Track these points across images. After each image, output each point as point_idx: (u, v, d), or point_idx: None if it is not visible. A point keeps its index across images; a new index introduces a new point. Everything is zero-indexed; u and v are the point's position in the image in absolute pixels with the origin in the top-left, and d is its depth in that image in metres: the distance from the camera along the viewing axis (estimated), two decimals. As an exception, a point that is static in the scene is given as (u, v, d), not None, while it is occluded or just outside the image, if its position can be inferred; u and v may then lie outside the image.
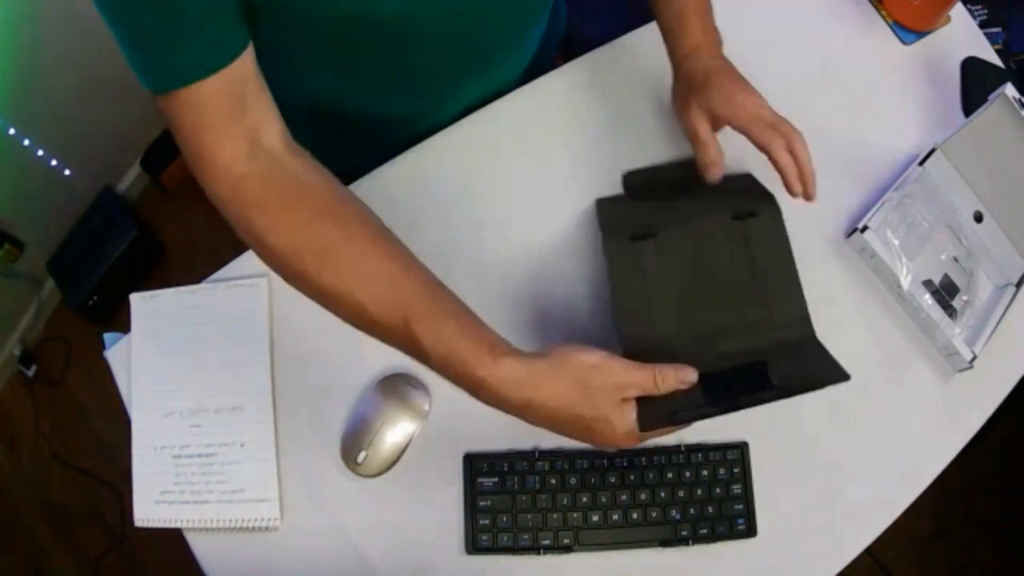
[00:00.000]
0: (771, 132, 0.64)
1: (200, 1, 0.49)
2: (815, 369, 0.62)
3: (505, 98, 0.82)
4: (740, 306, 0.66)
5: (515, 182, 0.80)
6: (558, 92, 0.83)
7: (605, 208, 0.78)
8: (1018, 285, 0.79)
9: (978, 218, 0.81)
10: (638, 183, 0.80)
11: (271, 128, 0.56)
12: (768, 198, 0.70)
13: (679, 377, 0.56)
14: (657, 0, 0.72)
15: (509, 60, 0.79)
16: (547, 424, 0.56)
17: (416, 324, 0.53)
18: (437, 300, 0.55)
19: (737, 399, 0.58)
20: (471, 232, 0.78)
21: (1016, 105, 0.76)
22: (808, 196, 0.66)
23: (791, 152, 0.64)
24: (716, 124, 0.69)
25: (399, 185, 0.80)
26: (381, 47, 0.63)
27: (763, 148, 0.65)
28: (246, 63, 0.54)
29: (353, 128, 0.76)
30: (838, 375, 0.60)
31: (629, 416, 0.55)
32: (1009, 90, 0.76)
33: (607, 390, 0.54)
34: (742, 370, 0.62)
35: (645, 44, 0.85)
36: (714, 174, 0.69)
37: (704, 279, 0.67)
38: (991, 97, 0.77)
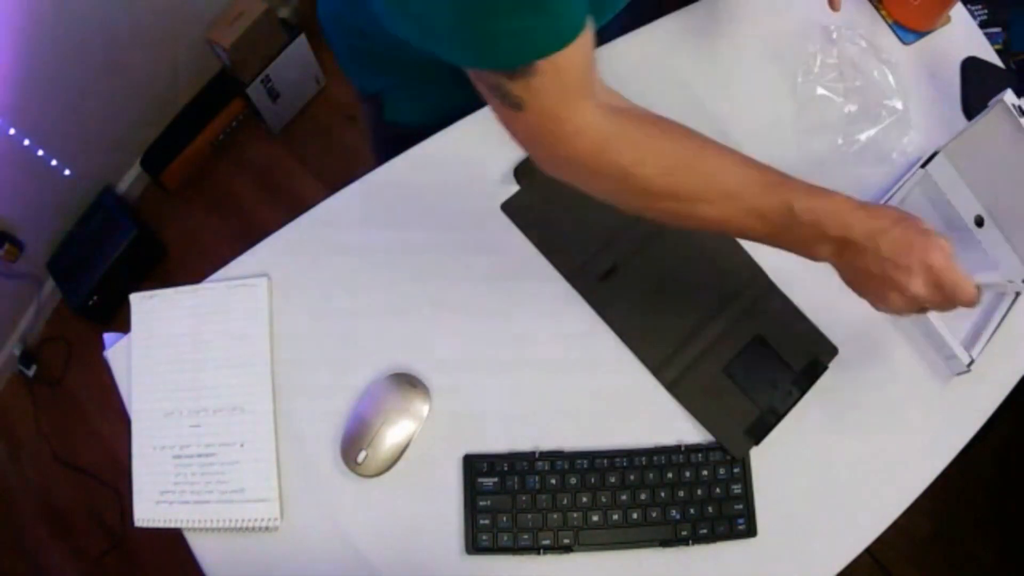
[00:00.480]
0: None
1: None
2: (810, 349, 0.75)
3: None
4: (710, 289, 0.76)
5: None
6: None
7: (533, 230, 0.77)
8: (1017, 291, 0.79)
9: (979, 222, 0.81)
10: (529, 174, 0.79)
11: (600, 81, 0.57)
12: None
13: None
14: None
15: None
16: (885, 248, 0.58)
17: (779, 189, 0.58)
18: (776, 173, 0.60)
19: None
20: (472, 231, 0.78)
21: (1015, 112, 0.76)
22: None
23: None
24: None
25: (401, 183, 0.80)
26: None
27: None
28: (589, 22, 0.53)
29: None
30: (828, 351, 0.75)
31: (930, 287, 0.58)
32: (1008, 96, 0.76)
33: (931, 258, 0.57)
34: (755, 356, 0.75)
35: (645, 46, 0.85)
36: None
37: (672, 281, 0.77)
38: (991, 103, 0.77)
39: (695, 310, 0.76)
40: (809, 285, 0.78)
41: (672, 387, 0.74)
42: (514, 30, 0.47)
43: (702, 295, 0.76)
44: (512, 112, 0.54)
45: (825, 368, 0.75)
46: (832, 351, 0.76)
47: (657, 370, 0.74)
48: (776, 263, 0.78)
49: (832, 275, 0.80)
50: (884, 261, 0.58)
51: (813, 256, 0.61)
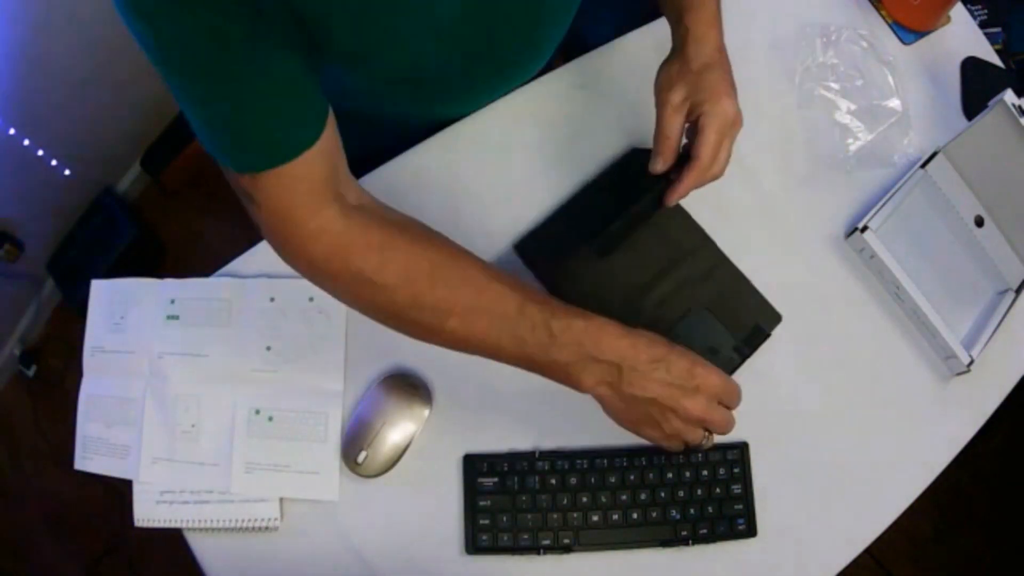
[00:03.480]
0: (716, 149, 0.67)
1: (288, 77, 0.48)
2: (753, 316, 0.75)
3: (505, 98, 0.82)
4: (656, 255, 0.76)
5: (514, 181, 0.80)
6: (558, 92, 0.83)
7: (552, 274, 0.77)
8: (1017, 291, 0.79)
9: (979, 222, 0.81)
10: (534, 250, 0.77)
11: (351, 183, 0.57)
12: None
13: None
14: None
15: (527, 62, 0.76)
16: (652, 388, 0.58)
17: (533, 305, 0.57)
18: (535, 292, 0.59)
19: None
20: (470, 230, 0.78)
21: (1015, 112, 0.76)
22: (665, 201, 0.70)
23: (696, 174, 0.68)
24: (690, 115, 0.68)
25: (402, 182, 0.80)
26: (406, 55, 0.62)
27: (696, 147, 0.67)
28: (331, 129, 0.53)
29: (368, 119, 0.73)
30: (772, 318, 0.76)
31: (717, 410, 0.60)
32: (1008, 96, 0.76)
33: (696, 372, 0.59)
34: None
35: (642, 46, 0.85)
36: (657, 167, 0.70)
37: (618, 246, 0.76)
38: (991, 103, 0.77)
39: (639, 275, 0.75)
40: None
41: None
42: (231, 143, 0.50)
43: (648, 261, 0.76)
44: (249, 205, 0.54)
45: (767, 336, 0.75)
46: (776, 318, 0.76)
47: None
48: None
49: (833, 281, 0.80)
50: (668, 385, 0.57)
51: (577, 384, 0.58)
